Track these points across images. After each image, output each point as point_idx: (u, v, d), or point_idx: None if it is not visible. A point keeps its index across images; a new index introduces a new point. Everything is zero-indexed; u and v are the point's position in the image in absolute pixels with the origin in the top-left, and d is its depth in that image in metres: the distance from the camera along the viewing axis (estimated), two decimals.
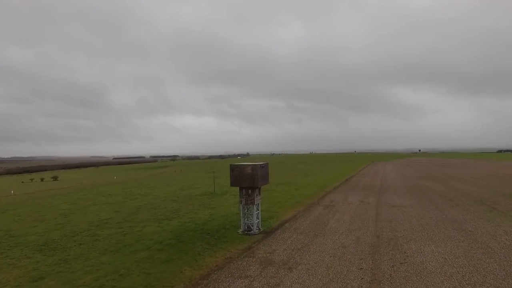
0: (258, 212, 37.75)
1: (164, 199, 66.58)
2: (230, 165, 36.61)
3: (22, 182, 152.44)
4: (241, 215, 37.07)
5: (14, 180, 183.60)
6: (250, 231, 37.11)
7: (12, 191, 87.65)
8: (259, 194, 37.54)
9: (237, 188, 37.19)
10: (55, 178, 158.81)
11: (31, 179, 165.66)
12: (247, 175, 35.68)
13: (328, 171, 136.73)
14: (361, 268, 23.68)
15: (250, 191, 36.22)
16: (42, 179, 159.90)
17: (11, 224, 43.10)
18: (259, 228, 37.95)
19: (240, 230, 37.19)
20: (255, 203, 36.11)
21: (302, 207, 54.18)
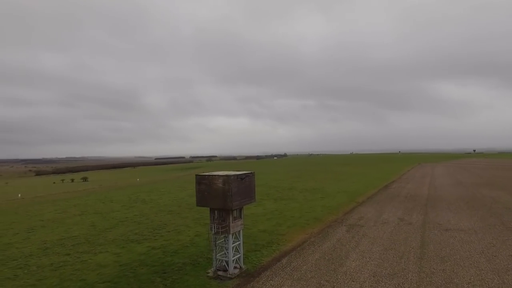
0: (239, 243, 26.25)
1: (163, 208, 57.59)
2: (196, 175, 25.61)
3: (54, 182, 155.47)
4: (212, 247, 26.04)
5: (49, 180, 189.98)
6: (225, 271, 26.03)
7: (19, 195, 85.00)
8: (239, 217, 26.15)
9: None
10: (84, 179, 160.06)
11: (62, 180, 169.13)
12: (217, 191, 24.52)
13: (366, 174, 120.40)
14: None
15: (223, 214, 25.02)
16: (72, 180, 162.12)
17: None
18: (239, 266, 26.57)
19: (212, 269, 26.25)
20: (231, 232, 24.83)
21: (318, 227, 41.38)
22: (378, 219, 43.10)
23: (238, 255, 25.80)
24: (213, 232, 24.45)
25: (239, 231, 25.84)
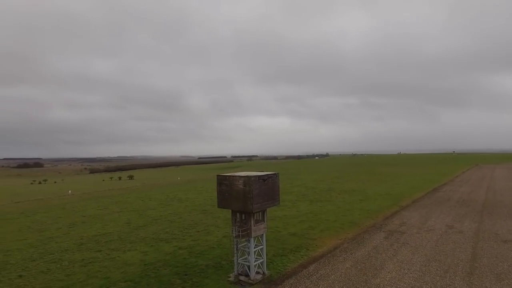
0: (262, 248, 24.90)
1: (197, 207, 57.83)
2: (217, 175, 24.70)
3: (103, 180, 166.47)
4: (234, 251, 24.94)
5: (99, 177, 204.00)
6: (246, 276, 24.75)
7: (69, 191, 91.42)
8: (262, 221, 24.75)
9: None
10: (130, 177, 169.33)
11: (111, 178, 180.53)
12: (238, 193, 23.37)
13: (414, 176, 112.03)
14: None
15: (244, 216, 23.81)
16: (119, 178, 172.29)
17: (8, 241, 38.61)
18: (262, 272, 25.12)
19: (233, 273, 25.15)
20: (252, 235, 23.53)
21: (353, 232, 38.34)
22: (422, 226, 39.14)
23: (261, 260, 24.45)
24: (234, 235, 23.36)
25: (262, 234, 24.48)
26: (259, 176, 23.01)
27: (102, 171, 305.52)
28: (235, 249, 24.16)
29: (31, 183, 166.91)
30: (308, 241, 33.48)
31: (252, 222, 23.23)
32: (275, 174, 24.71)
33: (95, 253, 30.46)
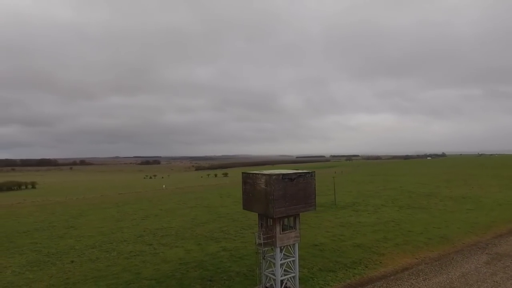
0: (294, 260, 20.80)
1: None
2: (243, 173, 21.71)
3: (201, 177, 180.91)
4: (260, 260, 21.47)
5: (200, 174, 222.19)
6: None
7: (164, 186, 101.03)
8: (293, 228, 20.56)
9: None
10: (225, 175, 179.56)
11: (208, 175, 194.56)
12: (260, 193, 19.88)
13: None
14: None
15: (270, 221, 20.16)
16: (215, 175, 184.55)
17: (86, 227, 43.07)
18: None
19: (259, 286, 21.54)
20: (278, 245, 19.69)
21: (440, 251, 29.37)
22: None
23: (292, 275, 20.43)
24: (259, 241, 20.05)
25: (293, 244, 20.44)
26: (284, 175, 19.12)
27: (206, 168, 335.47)
28: (261, 258, 20.82)
29: (144, 178, 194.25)
30: (373, 256, 27.41)
31: (278, 229, 19.49)
32: (308, 172, 20.33)
33: (145, 246, 31.32)
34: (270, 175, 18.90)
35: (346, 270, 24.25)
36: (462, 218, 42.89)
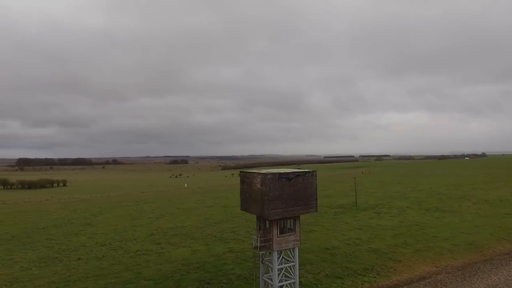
0: (294, 265, 19.41)
1: None
2: (241, 172, 20.63)
3: (226, 176, 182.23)
4: (258, 264, 20.23)
5: (223, 174, 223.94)
6: None
7: (185, 185, 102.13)
8: (293, 231, 19.15)
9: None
10: None
11: (232, 174, 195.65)
12: (256, 193, 18.71)
13: None
14: None
15: (266, 224, 18.92)
16: (239, 174, 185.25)
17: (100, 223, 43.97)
18: None
19: None
20: (274, 248, 18.41)
21: (466, 259, 26.51)
22: None
23: (291, 281, 19.09)
24: (256, 244, 18.92)
25: (293, 249, 19.10)
26: (280, 174, 17.84)
27: (232, 168, 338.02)
28: (259, 262, 19.67)
29: (170, 177, 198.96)
30: (388, 263, 25.36)
31: (275, 232, 18.25)
32: (309, 172, 18.89)
33: (153, 245, 31.15)
34: (265, 174, 17.71)
35: (355, 277, 22.50)
36: (497, 223, 39.16)
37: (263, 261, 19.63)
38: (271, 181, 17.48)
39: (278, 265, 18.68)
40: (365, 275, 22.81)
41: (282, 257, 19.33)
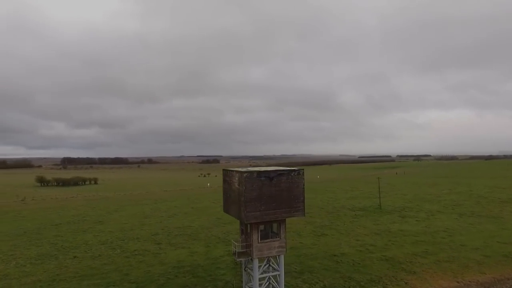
0: (279, 274, 17.26)
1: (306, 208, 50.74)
2: (223, 170, 18.84)
3: None
4: (241, 272, 18.26)
5: None
6: None
7: (208, 184, 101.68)
8: (277, 236, 16.94)
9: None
10: None
11: None
12: (234, 193, 16.80)
13: None
14: None
15: (246, 227, 16.94)
16: None
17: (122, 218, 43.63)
18: None
19: None
20: (255, 255, 16.38)
21: (496, 273, 22.59)
22: None
23: None
24: (236, 250, 17.06)
25: (278, 256, 16.99)
26: (259, 172, 15.84)
27: None
28: (242, 269, 17.79)
29: (198, 176, 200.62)
30: (399, 274, 22.38)
31: (256, 237, 16.28)
32: (294, 170, 16.68)
33: (153, 245, 30.36)
34: (242, 172, 15.81)
35: None
36: None
37: (246, 269, 17.74)
38: (247, 180, 15.54)
39: (261, 273, 16.71)
40: None
41: (269, 265, 17.34)
